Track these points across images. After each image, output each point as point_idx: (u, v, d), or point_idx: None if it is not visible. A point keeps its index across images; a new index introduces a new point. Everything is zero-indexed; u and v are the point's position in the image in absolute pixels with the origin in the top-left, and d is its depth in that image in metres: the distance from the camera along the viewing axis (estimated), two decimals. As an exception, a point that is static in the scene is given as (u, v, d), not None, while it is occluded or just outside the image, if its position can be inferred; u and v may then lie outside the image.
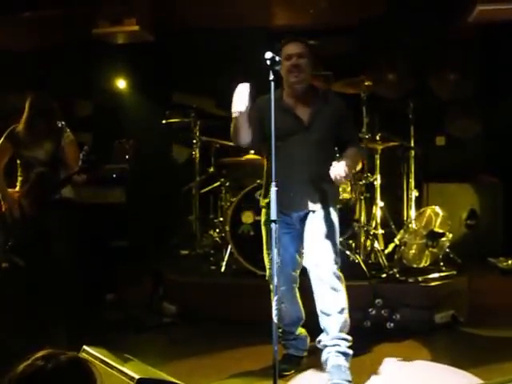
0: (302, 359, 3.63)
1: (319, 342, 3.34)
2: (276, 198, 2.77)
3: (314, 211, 3.36)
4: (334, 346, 3.25)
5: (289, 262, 3.38)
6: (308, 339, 3.64)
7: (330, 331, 3.26)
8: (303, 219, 3.40)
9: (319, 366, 3.39)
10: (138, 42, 5.64)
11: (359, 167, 3.65)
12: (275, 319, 2.71)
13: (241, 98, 3.06)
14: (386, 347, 3.99)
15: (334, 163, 3.12)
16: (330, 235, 3.32)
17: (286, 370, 3.47)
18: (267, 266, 3.43)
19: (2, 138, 4.22)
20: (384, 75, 5.50)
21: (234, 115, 3.16)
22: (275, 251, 2.74)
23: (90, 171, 4.04)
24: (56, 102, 4.27)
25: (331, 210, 3.39)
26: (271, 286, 3.34)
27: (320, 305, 3.29)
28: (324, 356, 3.29)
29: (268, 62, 2.84)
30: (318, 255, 3.29)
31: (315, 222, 3.35)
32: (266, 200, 3.37)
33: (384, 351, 3.90)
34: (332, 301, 3.25)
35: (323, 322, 3.29)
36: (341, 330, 3.25)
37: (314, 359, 3.58)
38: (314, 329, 3.41)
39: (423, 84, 6.03)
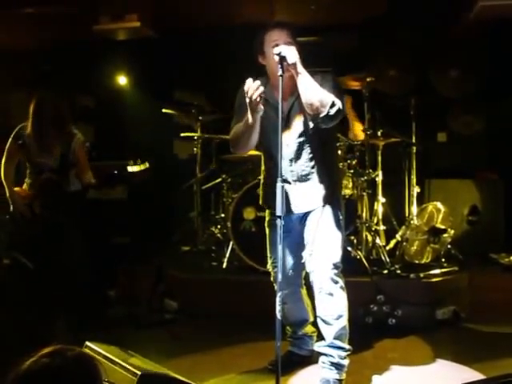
0: (304, 358, 3.59)
1: (318, 346, 3.30)
2: (282, 194, 2.66)
3: (311, 212, 3.19)
4: (327, 355, 3.20)
5: (291, 265, 3.29)
6: (314, 339, 3.55)
7: (326, 337, 3.20)
8: (302, 220, 3.23)
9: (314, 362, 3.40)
10: (140, 38, 5.64)
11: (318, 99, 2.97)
12: (279, 315, 2.66)
13: (256, 96, 2.81)
14: (387, 343, 4.00)
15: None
16: (329, 237, 3.16)
17: (287, 367, 3.39)
18: (271, 270, 3.39)
19: (10, 141, 4.14)
20: (386, 71, 5.49)
21: (249, 120, 2.94)
22: (280, 247, 2.67)
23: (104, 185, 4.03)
24: (64, 101, 4.23)
25: (331, 208, 3.19)
26: (275, 286, 3.32)
27: (318, 310, 3.22)
28: (320, 364, 3.26)
29: (277, 58, 2.77)
30: (315, 260, 3.15)
31: (313, 225, 3.18)
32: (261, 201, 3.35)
33: (385, 347, 3.92)
34: (328, 307, 3.16)
35: (321, 327, 3.23)
36: (337, 338, 3.17)
37: (316, 356, 3.60)
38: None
39: (425, 80, 6.02)
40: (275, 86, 2.98)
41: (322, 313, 3.19)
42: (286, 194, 3.03)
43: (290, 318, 3.48)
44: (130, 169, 4.03)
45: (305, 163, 3.18)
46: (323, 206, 3.18)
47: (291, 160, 3.17)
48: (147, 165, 4.05)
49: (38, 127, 4.07)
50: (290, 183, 3.16)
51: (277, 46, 2.93)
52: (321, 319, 3.22)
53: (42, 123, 4.06)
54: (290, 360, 3.54)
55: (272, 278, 3.42)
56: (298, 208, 3.20)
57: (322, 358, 3.24)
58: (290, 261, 3.28)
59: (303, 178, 3.19)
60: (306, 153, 3.17)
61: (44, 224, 4.09)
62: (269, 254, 3.38)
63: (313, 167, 3.18)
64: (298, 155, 3.17)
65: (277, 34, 3.06)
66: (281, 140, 2.74)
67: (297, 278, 3.35)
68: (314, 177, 3.19)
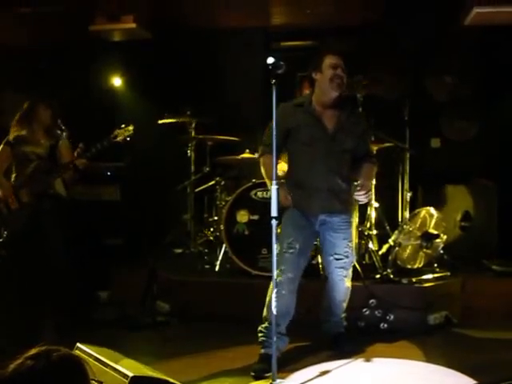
0: (278, 360, 3.51)
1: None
2: (277, 196, 3.00)
3: (332, 216, 3.67)
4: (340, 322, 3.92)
5: (304, 253, 3.68)
6: (287, 341, 3.67)
7: (340, 313, 3.88)
8: (323, 222, 3.69)
9: (309, 365, 3.49)
10: (136, 39, 5.63)
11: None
12: (274, 311, 3.01)
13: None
14: (379, 347, 4.00)
15: (358, 184, 3.56)
16: (350, 235, 3.77)
17: (267, 371, 3.33)
18: (285, 250, 3.62)
19: (2, 147, 4.30)
20: (381, 76, 5.49)
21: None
22: (275, 246, 3.01)
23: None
24: (56, 102, 4.33)
25: (349, 214, 3.76)
26: (283, 268, 3.56)
27: (336, 292, 3.78)
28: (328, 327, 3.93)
29: (270, 67, 3.00)
30: (343, 250, 3.71)
31: (336, 226, 3.69)
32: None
33: (377, 351, 3.91)
34: (347, 289, 3.80)
35: (335, 305, 3.83)
36: (343, 311, 3.92)
37: (304, 358, 3.61)
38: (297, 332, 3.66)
39: (420, 85, 6.04)
40: (320, 102, 3.66)
41: (343, 292, 3.81)
42: (317, 198, 3.62)
43: (281, 307, 3.43)
44: (117, 138, 4.21)
45: (338, 175, 3.65)
46: (341, 213, 3.71)
47: (328, 172, 3.62)
48: (131, 129, 4.22)
49: (28, 128, 4.27)
50: (321, 190, 3.62)
51: (336, 68, 3.57)
52: (337, 299, 3.81)
53: (32, 125, 4.28)
54: (268, 363, 3.44)
55: (278, 261, 3.38)
56: (322, 210, 3.66)
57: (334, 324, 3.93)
58: (305, 248, 3.70)
59: (334, 187, 3.65)
60: (343, 167, 3.67)
61: (30, 212, 4.12)
62: (286, 237, 3.62)
63: (343, 178, 3.67)
64: (334, 169, 3.64)
65: (336, 59, 3.61)
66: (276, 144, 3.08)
67: (302, 268, 3.70)
68: (342, 188, 3.68)
